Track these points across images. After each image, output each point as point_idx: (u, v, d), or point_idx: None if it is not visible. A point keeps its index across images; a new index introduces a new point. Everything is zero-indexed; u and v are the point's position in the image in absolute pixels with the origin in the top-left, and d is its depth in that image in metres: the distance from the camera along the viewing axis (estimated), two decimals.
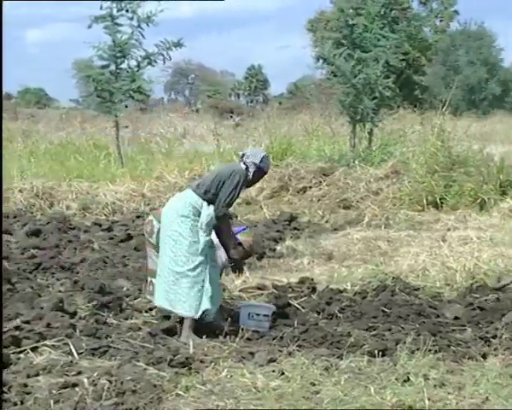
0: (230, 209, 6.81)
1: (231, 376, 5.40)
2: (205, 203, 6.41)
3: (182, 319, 6.45)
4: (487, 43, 58.10)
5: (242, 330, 6.43)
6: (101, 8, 15.69)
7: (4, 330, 5.92)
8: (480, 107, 51.08)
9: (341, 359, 5.75)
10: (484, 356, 5.92)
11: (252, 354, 5.89)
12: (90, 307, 6.99)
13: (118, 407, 4.80)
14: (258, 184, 11.10)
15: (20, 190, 13.09)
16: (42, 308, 6.73)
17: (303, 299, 7.73)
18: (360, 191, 13.80)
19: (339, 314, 7.19)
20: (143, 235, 7.07)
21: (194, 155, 17.09)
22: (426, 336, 6.19)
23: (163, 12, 15.59)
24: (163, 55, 16.06)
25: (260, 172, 6.66)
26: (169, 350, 5.90)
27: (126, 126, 23.08)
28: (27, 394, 4.95)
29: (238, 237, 6.75)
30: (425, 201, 13.07)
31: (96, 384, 5.08)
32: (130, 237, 10.72)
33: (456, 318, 7.13)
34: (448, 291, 8.09)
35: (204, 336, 6.32)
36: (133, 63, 16.12)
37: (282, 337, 6.37)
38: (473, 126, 20.36)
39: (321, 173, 14.54)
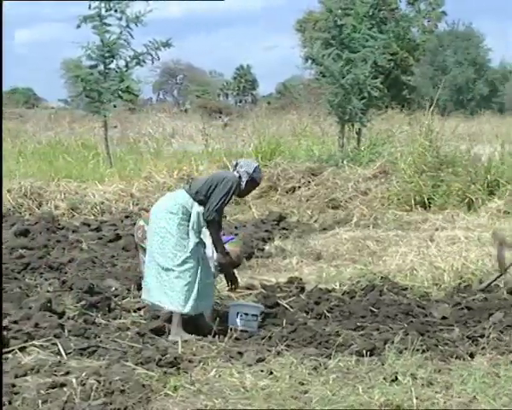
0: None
1: (220, 375, 5.40)
2: (195, 203, 6.44)
3: (170, 318, 6.46)
4: (475, 43, 58.44)
5: (231, 329, 6.45)
6: (89, 7, 15.67)
7: None
8: (468, 107, 51.36)
9: (330, 358, 5.76)
10: (471, 355, 5.94)
11: (240, 353, 5.90)
12: (78, 307, 6.98)
13: (106, 407, 4.79)
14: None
15: (8, 190, 13.04)
16: (30, 308, 6.72)
17: (291, 299, 7.75)
18: (349, 191, 13.84)
19: (327, 314, 7.20)
20: (132, 235, 7.10)
21: (183, 154, 17.11)
22: (414, 336, 6.21)
23: (152, 12, 15.63)
24: (152, 55, 16.06)
25: (253, 182, 6.73)
26: (157, 350, 5.89)
27: (115, 126, 23.08)
28: (15, 394, 4.94)
29: (226, 246, 6.78)
30: (413, 201, 13.11)
31: (84, 384, 5.07)
32: (118, 237, 10.71)
33: (443, 317, 7.16)
34: (436, 291, 8.13)
35: (192, 335, 6.33)
36: (122, 63, 16.14)
37: (270, 337, 6.37)
38: (460, 126, 20.46)
39: (309, 173, 14.56)
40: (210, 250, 6.77)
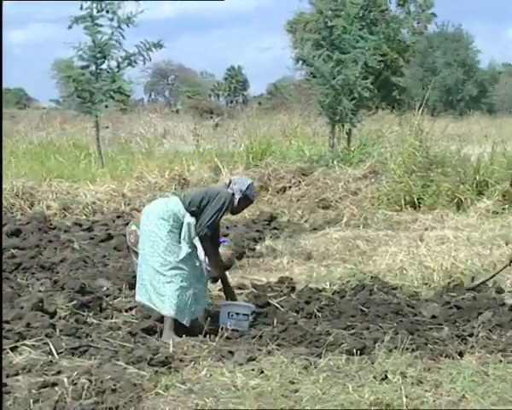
0: None
1: (211, 375, 5.43)
2: (187, 213, 6.47)
3: (162, 318, 6.49)
4: (464, 45, 58.62)
5: (222, 329, 6.46)
6: (81, 8, 15.65)
7: None
8: (457, 108, 51.52)
9: (320, 357, 5.79)
10: (460, 354, 5.98)
11: (231, 352, 5.92)
12: (70, 306, 6.98)
13: (97, 406, 4.81)
14: None
15: None
16: (22, 308, 6.73)
17: (282, 298, 7.78)
18: (339, 191, 13.88)
19: (318, 313, 7.23)
20: (124, 235, 7.11)
21: (175, 155, 17.10)
22: (403, 335, 6.25)
23: (143, 12, 15.62)
24: (143, 56, 16.04)
25: (246, 200, 6.76)
26: (149, 349, 5.91)
27: (107, 127, 23.05)
28: (7, 393, 4.94)
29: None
30: (403, 201, 13.16)
31: (75, 384, 5.08)
32: (110, 237, 10.72)
33: (433, 316, 7.21)
34: (425, 290, 8.18)
35: (183, 335, 6.35)
36: (113, 64, 16.11)
37: (261, 336, 6.39)
38: (450, 127, 20.52)
39: (300, 173, 14.60)
40: (202, 254, 6.80)
